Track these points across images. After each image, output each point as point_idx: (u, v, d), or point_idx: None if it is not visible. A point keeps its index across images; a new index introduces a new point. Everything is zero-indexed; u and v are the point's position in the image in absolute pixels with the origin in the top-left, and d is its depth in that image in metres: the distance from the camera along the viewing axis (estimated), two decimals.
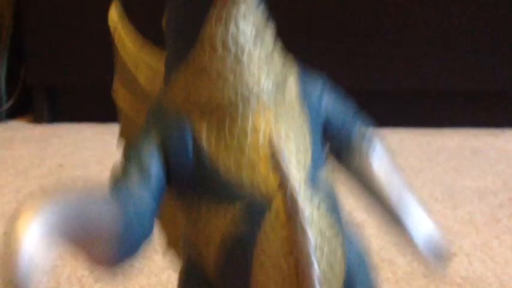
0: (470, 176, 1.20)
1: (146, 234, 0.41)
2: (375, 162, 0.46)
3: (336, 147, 0.45)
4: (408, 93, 1.56)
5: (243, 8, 0.39)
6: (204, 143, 0.40)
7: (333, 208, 0.42)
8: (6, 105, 1.69)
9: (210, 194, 0.41)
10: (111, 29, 0.48)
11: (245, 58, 0.40)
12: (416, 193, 1.13)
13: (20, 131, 1.59)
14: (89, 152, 1.36)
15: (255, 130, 0.40)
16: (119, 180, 0.41)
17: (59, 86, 1.67)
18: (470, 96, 1.54)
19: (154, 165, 0.41)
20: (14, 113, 1.71)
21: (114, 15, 0.48)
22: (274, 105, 0.41)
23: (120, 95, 0.49)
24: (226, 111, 0.40)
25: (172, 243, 0.51)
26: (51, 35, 1.59)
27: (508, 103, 1.54)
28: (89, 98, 1.66)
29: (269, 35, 0.41)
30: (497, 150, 1.36)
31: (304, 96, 0.43)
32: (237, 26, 0.39)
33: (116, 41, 0.48)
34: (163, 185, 0.41)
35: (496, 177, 1.19)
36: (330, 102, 0.44)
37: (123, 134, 0.52)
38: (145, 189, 0.40)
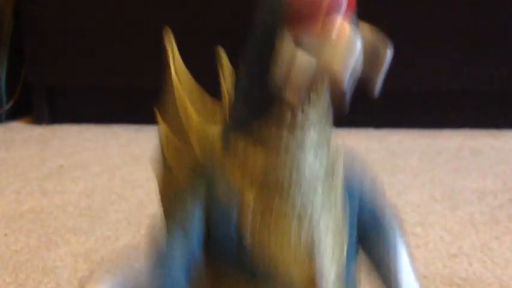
0: (470, 177, 1.20)
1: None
2: (397, 255, 0.47)
3: (364, 230, 0.46)
4: (408, 94, 1.56)
5: (316, 94, 0.39)
6: (249, 216, 0.41)
7: None
8: (7, 107, 1.69)
9: (242, 267, 0.42)
10: (169, 61, 0.50)
11: (307, 143, 0.40)
12: (416, 194, 1.13)
13: (20, 132, 1.59)
14: (89, 153, 1.36)
15: (300, 215, 0.41)
16: (162, 252, 0.42)
17: (59, 87, 1.67)
18: (470, 97, 1.54)
19: (197, 233, 0.42)
20: (14, 114, 1.71)
21: (173, 48, 0.49)
22: (322, 193, 0.41)
23: (164, 128, 0.50)
24: (277, 190, 0.40)
25: None
26: (51, 36, 1.59)
27: (507, 104, 1.55)
28: (89, 99, 1.66)
29: (329, 123, 0.42)
30: (497, 151, 1.37)
31: (347, 182, 0.43)
32: (309, 104, 0.40)
33: (172, 74, 0.50)
34: (202, 251, 0.42)
35: (495, 178, 1.20)
36: (367, 190, 0.46)
37: (163, 185, 0.51)
38: (184, 268, 0.41)
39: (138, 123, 1.58)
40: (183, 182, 0.45)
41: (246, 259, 0.41)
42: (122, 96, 1.64)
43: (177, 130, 0.48)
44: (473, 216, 1.02)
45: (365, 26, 0.39)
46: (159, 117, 0.50)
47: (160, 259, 0.41)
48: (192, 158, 0.46)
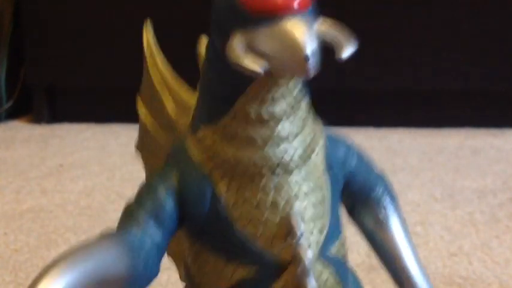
0: (470, 176, 1.20)
1: (153, 275, 0.42)
2: (388, 226, 0.48)
3: (353, 204, 0.47)
4: (408, 93, 1.56)
5: (282, 89, 0.40)
6: (224, 199, 0.41)
7: (342, 279, 0.44)
8: (6, 106, 1.69)
9: (221, 247, 0.42)
10: (145, 48, 0.49)
11: (279, 128, 0.41)
12: (416, 193, 1.14)
13: (20, 131, 1.59)
14: (88, 152, 1.36)
15: (277, 197, 0.41)
16: (133, 215, 0.42)
17: (59, 86, 1.67)
18: (470, 96, 1.54)
19: (168, 204, 0.42)
20: (14, 113, 1.71)
21: (149, 36, 0.49)
22: (299, 173, 0.42)
23: (143, 112, 0.50)
24: (251, 176, 0.41)
25: (172, 253, 0.52)
26: (50, 35, 1.59)
27: (507, 103, 1.54)
28: (88, 98, 1.66)
29: (304, 105, 0.42)
30: (497, 150, 1.37)
31: (330, 160, 0.44)
32: (274, 102, 0.40)
33: (148, 60, 0.49)
34: (175, 226, 0.42)
35: (495, 177, 1.19)
36: (354, 162, 0.46)
37: (140, 146, 0.52)
38: (157, 227, 0.42)
39: (137, 123, 1.58)
40: (156, 169, 0.45)
41: (223, 240, 0.42)
42: (122, 95, 1.63)
43: (155, 115, 0.49)
44: (474, 215, 1.02)
45: (327, 22, 0.39)
46: (139, 101, 0.50)
47: (131, 246, 0.41)
48: (165, 145, 0.47)
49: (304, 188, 0.42)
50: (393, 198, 0.49)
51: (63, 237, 0.93)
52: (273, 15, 0.37)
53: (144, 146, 0.51)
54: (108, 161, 1.30)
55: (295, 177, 0.42)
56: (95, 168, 1.25)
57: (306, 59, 0.36)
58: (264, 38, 0.37)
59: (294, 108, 0.41)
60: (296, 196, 0.41)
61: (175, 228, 0.42)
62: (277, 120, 0.40)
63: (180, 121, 0.46)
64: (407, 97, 1.56)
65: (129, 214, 0.42)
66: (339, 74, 1.28)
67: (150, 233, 0.41)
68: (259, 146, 0.41)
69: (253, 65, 0.37)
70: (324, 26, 0.39)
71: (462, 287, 0.79)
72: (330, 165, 0.44)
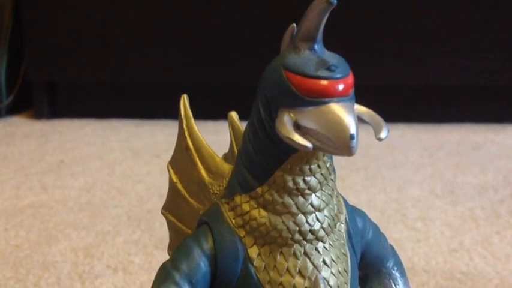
0: (470, 172, 1.20)
1: None
2: None
3: (366, 274, 0.51)
4: (409, 89, 1.56)
5: (317, 162, 0.44)
6: (255, 263, 0.44)
7: None
8: (6, 101, 1.69)
9: None
10: (182, 115, 0.51)
11: (312, 198, 0.44)
12: (417, 189, 1.13)
13: (20, 127, 1.59)
14: (89, 148, 1.36)
15: (306, 263, 0.44)
16: (169, 277, 0.45)
17: (59, 82, 1.67)
18: (471, 92, 1.54)
19: (203, 267, 0.45)
20: (14, 109, 1.71)
21: (186, 104, 0.52)
22: (327, 241, 0.45)
23: (174, 178, 0.53)
24: (283, 241, 0.44)
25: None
26: (50, 32, 1.59)
27: (508, 99, 1.54)
28: (88, 93, 1.66)
29: (333, 179, 0.46)
30: (498, 146, 1.36)
31: (350, 230, 0.47)
32: (310, 173, 0.44)
33: (185, 127, 0.52)
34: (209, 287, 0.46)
35: (496, 172, 1.19)
36: (370, 234, 0.49)
37: (167, 207, 0.55)
38: None
39: (138, 118, 1.58)
40: (189, 233, 0.49)
41: None
42: (122, 91, 1.63)
43: (187, 185, 0.52)
44: (474, 211, 1.02)
45: (362, 108, 0.44)
46: (170, 168, 0.53)
47: None
48: (198, 212, 0.49)
49: (331, 255, 0.45)
50: (403, 273, 0.52)
51: (64, 233, 0.93)
52: (321, 98, 0.40)
53: (171, 207, 0.54)
54: (108, 156, 1.30)
55: (323, 245, 0.45)
56: (95, 164, 1.25)
57: (351, 138, 0.40)
58: (311, 117, 0.41)
59: (326, 179, 0.45)
60: (324, 262, 0.44)
61: None
62: (312, 190, 0.44)
63: (213, 186, 0.49)
64: (408, 93, 1.56)
65: (166, 275, 0.45)
66: None
67: None
68: (294, 213, 0.44)
69: (303, 141, 0.40)
70: (361, 109, 0.43)
71: (463, 282, 0.79)
72: (350, 236, 0.47)
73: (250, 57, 1.48)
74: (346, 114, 0.40)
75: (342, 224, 0.46)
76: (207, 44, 1.54)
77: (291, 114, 0.41)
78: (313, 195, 0.44)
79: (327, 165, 0.44)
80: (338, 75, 0.41)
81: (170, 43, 1.54)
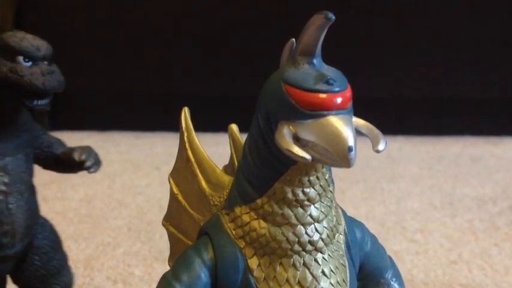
0: (469, 184, 1.20)
1: None
2: None
3: (365, 285, 0.51)
4: (408, 101, 1.56)
5: (316, 174, 0.44)
6: (255, 273, 0.45)
7: None
8: None
9: None
10: (183, 128, 0.52)
11: (311, 209, 0.45)
12: (415, 201, 1.13)
13: None
14: None
15: (305, 274, 0.44)
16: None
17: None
18: (470, 105, 1.55)
19: (204, 278, 0.45)
20: None
21: (187, 117, 0.53)
22: (326, 252, 0.45)
23: (174, 190, 0.54)
24: (283, 252, 0.44)
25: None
26: (51, 43, 1.59)
27: (507, 111, 1.55)
28: (89, 106, 1.66)
29: (331, 190, 0.46)
30: (497, 159, 1.37)
31: (349, 242, 0.48)
32: (310, 184, 0.44)
33: (186, 139, 0.52)
34: None
35: (495, 185, 1.20)
36: (369, 245, 0.50)
37: (168, 218, 0.55)
38: None
39: (138, 130, 1.59)
40: (190, 245, 0.49)
41: None
42: (122, 103, 1.64)
43: (187, 197, 0.52)
44: (473, 223, 1.02)
45: (360, 120, 0.44)
46: (170, 180, 0.53)
47: None
48: (198, 223, 0.50)
49: (330, 266, 0.45)
50: (401, 284, 0.53)
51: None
52: (320, 111, 0.41)
53: (172, 219, 0.54)
54: (108, 169, 1.30)
55: (322, 256, 0.45)
56: (95, 176, 1.25)
57: (349, 150, 0.40)
58: (310, 129, 0.41)
59: (325, 191, 0.45)
60: (323, 273, 0.45)
61: None
62: (311, 201, 0.44)
63: (214, 198, 0.50)
64: (407, 105, 1.57)
65: (167, 286, 0.46)
66: None
67: None
68: (293, 224, 0.44)
69: (303, 153, 0.41)
70: (359, 122, 0.44)
71: None
72: (349, 247, 0.47)
73: (250, 69, 1.49)
74: (344, 126, 0.41)
75: (340, 235, 0.47)
76: (207, 56, 1.55)
77: (291, 127, 0.41)
78: (312, 206, 0.44)
79: (326, 177, 0.45)
80: (336, 89, 0.42)
81: (171, 55, 1.55)
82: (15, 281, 0.66)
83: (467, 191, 1.16)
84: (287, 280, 0.44)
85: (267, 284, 0.44)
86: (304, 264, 0.44)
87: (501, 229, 0.99)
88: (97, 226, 1.00)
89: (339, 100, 0.41)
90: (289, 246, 0.44)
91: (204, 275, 0.45)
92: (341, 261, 0.46)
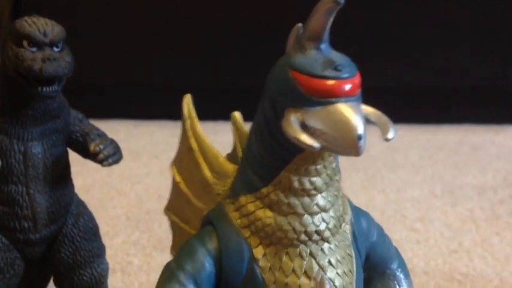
0: (470, 173, 1.20)
1: None
2: None
3: (370, 275, 0.50)
4: (408, 89, 1.56)
5: (322, 163, 0.43)
6: (261, 263, 0.44)
7: None
8: None
9: None
10: (185, 114, 0.51)
11: (318, 198, 0.44)
12: (416, 190, 1.13)
13: None
14: None
15: (311, 264, 0.44)
16: (173, 276, 0.45)
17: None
18: (470, 93, 1.54)
19: (208, 267, 0.45)
20: None
21: (189, 104, 0.52)
22: (333, 242, 0.45)
23: (177, 178, 0.53)
24: (289, 242, 0.44)
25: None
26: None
27: (508, 100, 1.54)
28: (87, 95, 1.66)
29: (338, 180, 0.45)
30: (498, 147, 1.36)
31: (355, 232, 0.47)
32: (316, 173, 0.43)
33: (188, 127, 0.51)
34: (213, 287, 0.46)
35: (496, 173, 1.19)
36: (375, 235, 0.49)
37: (170, 207, 0.55)
38: None
39: (136, 119, 1.58)
40: (192, 234, 0.48)
41: None
42: (120, 91, 1.63)
43: (190, 185, 0.52)
44: (474, 212, 1.02)
45: (369, 108, 0.44)
46: (173, 168, 0.53)
47: None
48: (201, 212, 0.49)
49: (337, 256, 0.44)
50: (407, 275, 0.52)
51: None
52: (328, 98, 0.40)
53: (174, 207, 0.54)
54: None
55: (329, 246, 0.44)
56: (94, 165, 1.24)
57: (358, 138, 0.39)
58: (318, 117, 0.40)
59: (332, 180, 0.44)
60: (329, 263, 0.44)
61: None
62: (318, 190, 0.43)
63: (217, 186, 0.49)
64: (408, 94, 1.56)
65: (170, 275, 0.45)
66: None
67: None
68: (300, 213, 0.43)
69: (311, 141, 0.40)
70: (368, 109, 0.43)
71: (462, 283, 0.79)
72: (355, 237, 0.47)
73: (250, 58, 1.48)
74: (353, 114, 0.40)
75: (347, 225, 0.46)
76: (207, 45, 1.54)
77: (298, 114, 0.41)
78: (319, 195, 0.44)
79: (333, 166, 0.44)
80: (345, 75, 0.41)
81: (169, 44, 1.54)
82: (44, 268, 0.66)
83: (468, 180, 1.16)
84: (293, 270, 0.44)
85: (273, 274, 0.44)
86: (311, 254, 0.44)
87: (502, 218, 0.99)
88: (95, 215, 0.99)
89: (348, 87, 0.40)
90: (296, 236, 0.43)
91: (208, 264, 0.45)
92: (347, 251, 0.45)
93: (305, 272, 0.44)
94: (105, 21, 1.56)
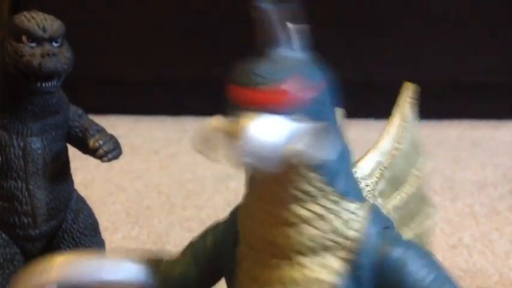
0: (470, 168, 1.20)
1: None
2: None
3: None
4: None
5: (308, 173, 0.41)
6: (246, 272, 0.44)
7: None
8: None
9: None
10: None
11: (295, 218, 0.42)
12: None
13: None
14: None
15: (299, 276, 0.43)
16: (184, 249, 0.48)
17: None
18: (470, 88, 1.54)
19: (209, 250, 0.46)
20: None
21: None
22: (323, 256, 0.43)
23: None
24: (281, 253, 0.42)
25: None
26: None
27: (508, 95, 1.54)
28: (86, 90, 1.65)
29: (332, 195, 0.43)
30: (498, 142, 1.36)
31: (360, 261, 0.44)
32: (299, 184, 0.41)
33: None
34: (210, 268, 0.47)
35: (496, 169, 1.19)
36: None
37: None
38: (194, 265, 0.47)
39: (136, 114, 1.58)
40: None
41: None
42: (120, 87, 1.63)
43: None
44: (473, 207, 1.01)
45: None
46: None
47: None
48: None
49: (327, 269, 0.43)
50: None
51: None
52: (238, 107, 0.37)
53: None
54: None
55: (318, 260, 0.42)
56: (93, 160, 1.24)
57: (238, 147, 0.36)
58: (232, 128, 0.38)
59: (320, 192, 0.42)
60: (317, 279, 0.42)
61: (211, 270, 0.47)
62: (296, 204, 0.41)
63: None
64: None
65: (186, 247, 0.48)
66: (338, 66, 1.27)
67: (184, 264, 0.47)
68: (280, 226, 0.42)
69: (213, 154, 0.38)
70: (301, 143, 0.38)
71: (462, 279, 0.79)
72: (357, 266, 0.45)
73: (252, 53, 1.48)
74: (244, 123, 0.35)
75: (341, 250, 0.43)
76: (207, 40, 1.53)
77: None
78: (299, 206, 0.41)
79: (320, 179, 0.41)
80: (256, 83, 0.37)
81: (169, 39, 1.54)
82: None
83: (468, 175, 1.16)
84: (273, 281, 0.42)
85: (253, 283, 0.43)
86: (301, 267, 0.42)
87: (502, 213, 0.99)
88: (95, 211, 0.99)
89: (256, 97, 0.36)
90: (289, 248, 0.42)
91: (211, 249, 0.47)
92: (336, 267, 0.43)
93: (294, 284, 0.43)
94: (105, 16, 1.56)
